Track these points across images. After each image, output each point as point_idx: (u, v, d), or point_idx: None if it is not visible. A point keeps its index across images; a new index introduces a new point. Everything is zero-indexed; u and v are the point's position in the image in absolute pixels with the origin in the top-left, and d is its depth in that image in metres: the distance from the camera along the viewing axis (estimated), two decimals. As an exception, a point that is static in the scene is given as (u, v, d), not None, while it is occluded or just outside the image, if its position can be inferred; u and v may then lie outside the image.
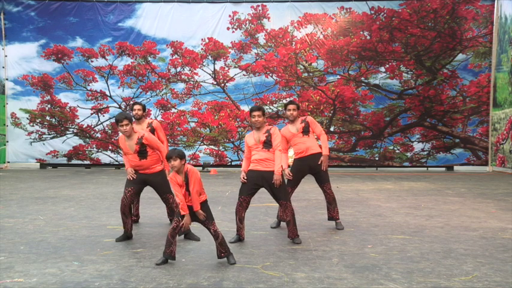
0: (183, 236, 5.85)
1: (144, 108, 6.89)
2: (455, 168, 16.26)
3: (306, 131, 6.38)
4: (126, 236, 5.78)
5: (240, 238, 5.72)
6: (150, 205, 8.14)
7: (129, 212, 5.81)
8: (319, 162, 6.38)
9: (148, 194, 9.39)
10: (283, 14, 16.07)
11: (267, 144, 5.65)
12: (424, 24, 15.93)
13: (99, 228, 6.44)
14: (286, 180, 6.19)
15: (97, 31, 16.18)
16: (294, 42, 16.08)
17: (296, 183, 6.54)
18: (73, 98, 16.38)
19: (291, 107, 6.40)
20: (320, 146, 6.49)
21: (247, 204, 5.77)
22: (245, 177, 5.72)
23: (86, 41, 16.25)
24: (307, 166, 6.42)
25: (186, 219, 4.73)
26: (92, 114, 16.40)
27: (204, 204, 4.82)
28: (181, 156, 4.70)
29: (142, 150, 5.74)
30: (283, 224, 6.58)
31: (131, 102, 16.30)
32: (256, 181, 5.69)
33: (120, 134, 6.04)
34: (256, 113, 5.66)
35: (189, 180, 4.68)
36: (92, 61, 16.27)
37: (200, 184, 4.76)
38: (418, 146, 16.17)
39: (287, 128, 6.50)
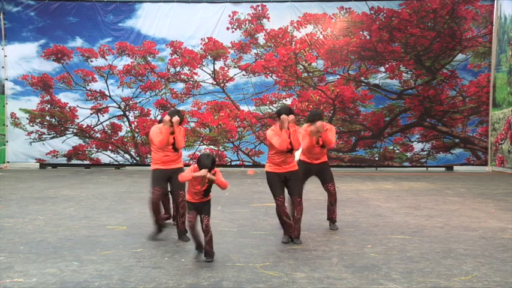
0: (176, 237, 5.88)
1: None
2: (455, 168, 16.25)
3: (324, 144, 6.35)
4: (159, 230, 5.97)
5: (290, 237, 5.68)
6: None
7: (159, 209, 6.02)
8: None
9: (149, 194, 9.38)
10: (283, 14, 16.06)
11: (292, 148, 5.66)
12: (424, 24, 15.92)
13: (99, 228, 6.44)
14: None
15: (97, 31, 16.17)
16: (293, 42, 16.07)
17: (303, 183, 6.54)
18: (73, 98, 16.37)
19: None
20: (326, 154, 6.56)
21: (285, 200, 5.78)
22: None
23: (86, 41, 16.24)
24: (314, 170, 6.47)
25: (211, 177, 4.88)
26: (91, 114, 16.38)
27: (210, 201, 5.07)
28: (214, 164, 4.97)
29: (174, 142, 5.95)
30: (279, 224, 6.58)
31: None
32: (283, 179, 5.72)
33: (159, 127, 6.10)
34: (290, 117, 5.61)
35: (216, 178, 4.93)
36: (91, 61, 16.26)
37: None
38: (417, 146, 16.16)
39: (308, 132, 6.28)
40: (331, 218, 6.55)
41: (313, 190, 9.66)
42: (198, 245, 5.02)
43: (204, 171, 4.82)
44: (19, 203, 8.45)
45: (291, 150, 5.66)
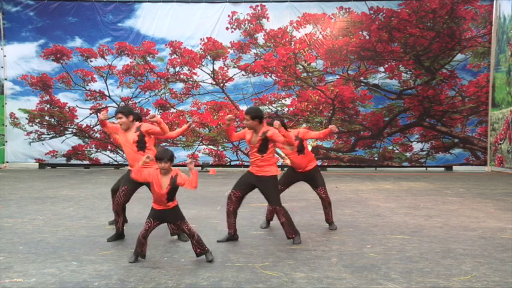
0: (176, 237, 5.87)
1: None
2: (454, 168, 16.27)
3: (300, 149, 6.25)
4: (118, 235, 5.79)
5: (230, 236, 5.66)
6: (149, 206, 8.11)
7: (122, 211, 5.80)
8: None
9: (148, 194, 9.37)
10: (282, 14, 16.06)
11: (262, 149, 5.52)
12: (423, 24, 15.93)
13: (98, 228, 6.44)
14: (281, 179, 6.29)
15: (96, 31, 16.17)
16: (293, 42, 16.08)
17: (288, 185, 6.56)
18: (72, 98, 16.37)
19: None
20: (314, 157, 6.53)
21: (237, 199, 5.68)
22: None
23: (85, 41, 16.24)
24: (301, 176, 6.45)
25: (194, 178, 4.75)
26: (90, 114, 16.38)
27: (175, 208, 4.88)
28: (172, 159, 4.78)
29: (141, 140, 5.63)
30: (279, 224, 6.58)
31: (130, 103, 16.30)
32: (250, 180, 5.65)
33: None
34: (244, 117, 5.55)
35: (178, 180, 4.74)
36: (90, 61, 16.26)
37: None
38: (417, 146, 16.18)
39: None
40: (327, 219, 6.57)
41: (312, 190, 9.67)
42: (138, 253, 4.81)
43: (145, 156, 4.83)
44: (18, 203, 8.45)
45: (260, 152, 5.50)
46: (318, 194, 6.50)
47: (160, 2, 16.14)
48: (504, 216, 7.36)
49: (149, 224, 4.83)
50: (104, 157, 16.44)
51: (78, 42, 16.26)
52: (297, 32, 16.08)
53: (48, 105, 16.37)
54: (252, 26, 16.10)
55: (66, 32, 16.21)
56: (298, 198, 8.95)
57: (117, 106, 16.28)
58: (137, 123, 5.80)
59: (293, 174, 6.47)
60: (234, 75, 16.21)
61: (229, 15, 16.07)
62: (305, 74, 16.18)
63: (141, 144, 5.65)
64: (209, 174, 14.52)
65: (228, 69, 16.19)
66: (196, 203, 8.45)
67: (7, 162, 16.33)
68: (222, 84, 16.25)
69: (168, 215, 4.86)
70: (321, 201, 6.54)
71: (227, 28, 16.11)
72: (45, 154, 16.38)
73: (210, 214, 7.45)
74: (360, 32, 15.99)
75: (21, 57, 16.27)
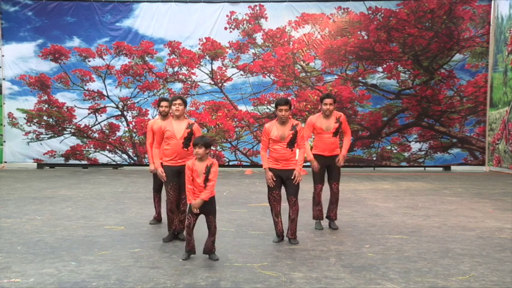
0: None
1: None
2: (453, 168, 16.28)
3: (337, 132, 6.45)
4: (173, 235, 5.75)
5: (279, 235, 5.67)
6: (148, 205, 8.13)
7: (177, 208, 5.71)
8: (336, 161, 6.51)
9: (147, 194, 9.38)
10: (281, 14, 16.06)
11: (292, 143, 5.60)
12: (422, 24, 15.95)
13: (97, 228, 6.44)
14: (314, 176, 6.41)
15: (94, 31, 16.15)
16: (291, 42, 16.08)
17: (323, 179, 6.54)
18: (70, 97, 16.34)
19: (327, 101, 6.37)
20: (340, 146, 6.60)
21: (280, 197, 5.71)
22: (274, 177, 5.62)
23: (83, 40, 16.21)
24: (324, 163, 6.49)
25: (197, 202, 4.83)
26: (89, 114, 16.36)
27: (213, 199, 4.98)
28: (207, 145, 4.85)
29: (189, 137, 5.60)
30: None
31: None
32: (279, 174, 5.65)
33: (157, 120, 6.18)
34: (283, 107, 5.55)
35: (211, 172, 4.85)
36: (89, 61, 16.23)
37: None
38: (415, 146, 16.19)
39: (320, 119, 6.45)
40: (329, 216, 6.57)
41: (310, 190, 9.67)
42: (191, 248, 4.92)
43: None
44: (17, 203, 8.44)
45: (290, 145, 5.59)
46: (331, 188, 6.56)
47: (158, 2, 16.12)
48: (502, 216, 7.38)
49: (189, 220, 4.87)
50: (103, 157, 16.42)
51: (76, 42, 16.23)
52: (295, 32, 16.07)
53: (46, 105, 16.34)
54: (250, 26, 16.10)
55: (64, 31, 16.18)
56: (297, 198, 8.93)
57: (115, 106, 16.28)
58: (190, 120, 5.87)
59: (322, 163, 6.41)
60: (233, 75, 16.20)
61: (227, 15, 16.06)
62: (303, 74, 16.18)
63: (187, 142, 5.63)
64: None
65: (226, 69, 16.19)
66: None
67: (5, 162, 16.29)
68: (220, 84, 16.25)
69: (205, 206, 4.88)
70: (330, 195, 6.55)
71: (225, 28, 16.10)
72: (44, 154, 16.35)
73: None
74: (359, 32, 16.00)
75: (20, 57, 16.24)
